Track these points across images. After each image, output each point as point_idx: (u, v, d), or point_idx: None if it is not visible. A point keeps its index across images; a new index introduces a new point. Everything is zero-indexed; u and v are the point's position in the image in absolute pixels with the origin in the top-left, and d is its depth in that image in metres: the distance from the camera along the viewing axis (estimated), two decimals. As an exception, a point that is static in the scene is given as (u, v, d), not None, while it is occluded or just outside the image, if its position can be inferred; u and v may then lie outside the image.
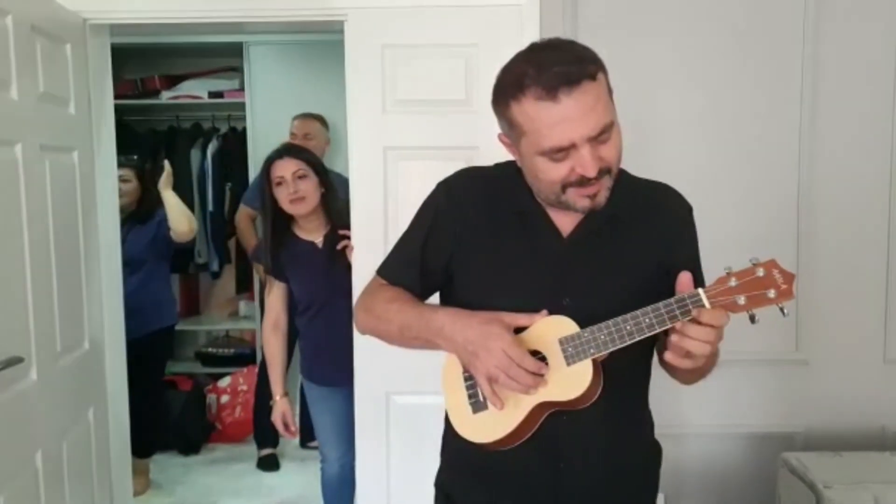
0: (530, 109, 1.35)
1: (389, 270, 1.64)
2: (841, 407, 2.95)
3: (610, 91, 1.40)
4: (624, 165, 1.48)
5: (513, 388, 1.39)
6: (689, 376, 1.53)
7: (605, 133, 1.36)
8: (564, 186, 1.40)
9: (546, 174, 1.40)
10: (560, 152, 1.36)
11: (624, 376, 1.49)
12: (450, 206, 1.57)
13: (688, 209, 1.61)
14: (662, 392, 1.64)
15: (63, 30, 2.70)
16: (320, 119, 4.52)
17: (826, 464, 2.62)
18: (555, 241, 1.51)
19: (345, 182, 4.52)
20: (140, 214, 3.90)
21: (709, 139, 2.86)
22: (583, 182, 1.38)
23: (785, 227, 2.87)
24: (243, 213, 4.60)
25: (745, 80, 2.84)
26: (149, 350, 3.85)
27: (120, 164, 3.61)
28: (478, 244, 1.53)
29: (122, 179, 3.63)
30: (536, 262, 1.50)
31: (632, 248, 1.52)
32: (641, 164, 1.64)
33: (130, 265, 3.65)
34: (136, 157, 4.05)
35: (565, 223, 1.50)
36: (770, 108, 2.85)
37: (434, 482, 1.71)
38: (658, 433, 1.69)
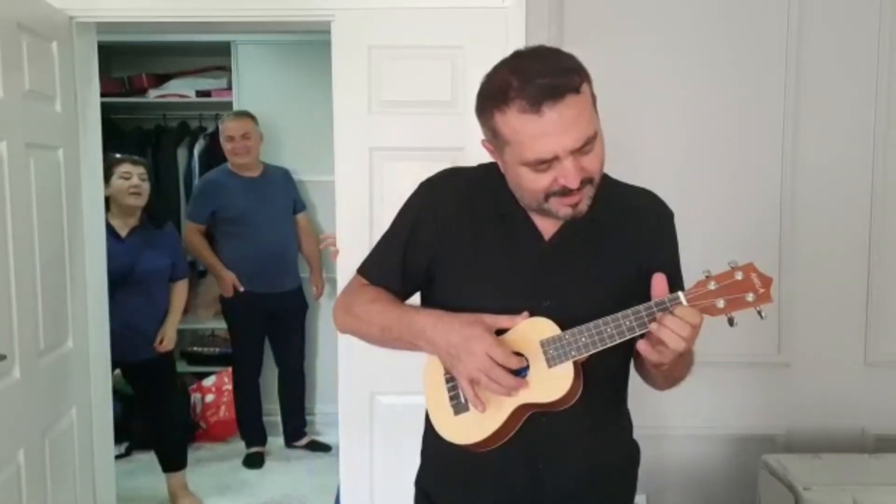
0: (514, 121, 1.36)
1: (371, 270, 1.64)
2: (822, 409, 2.97)
3: (594, 100, 1.41)
4: (606, 169, 1.48)
5: (494, 391, 1.40)
6: (662, 382, 1.55)
7: (588, 145, 1.37)
8: (547, 195, 1.41)
9: (529, 184, 1.41)
10: (543, 164, 1.37)
11: (603, 378, 1.51)
12: (432, 206, 1.57)
13: (669, 215, 1.62)
14: (645, 393, 1.65)
15: (49, 28, 2.69)
16: (252, 117, 4.46)
17: (806, 466, 2.64)
18: (536, 243, 1.52)
19: (287, 174, 4.64)
20: (156, 219, 3.70)
21: (692, 142, 2.87)
22: (565, 192, 1.39)
23: (767, 230, 2.88)
24: (191, 230, 4.42)
25: (729, 84, 2.85)
26: (154, 369, 3.73)
27: (133, 162, 3.56)
28: (459, 245, 1.53)
29: (142, 178, 3.54)
30: (518, 263, 1.51)
31: (612, 252, 1.53)
32: (624, 167, 1.66)
33: (145, 282, 3.57)
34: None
35: (547, 226, 1.51)
36: (753, 112, 2.86)
37: (414, 481, 1.72)
38: (640, 434, 1.70)
